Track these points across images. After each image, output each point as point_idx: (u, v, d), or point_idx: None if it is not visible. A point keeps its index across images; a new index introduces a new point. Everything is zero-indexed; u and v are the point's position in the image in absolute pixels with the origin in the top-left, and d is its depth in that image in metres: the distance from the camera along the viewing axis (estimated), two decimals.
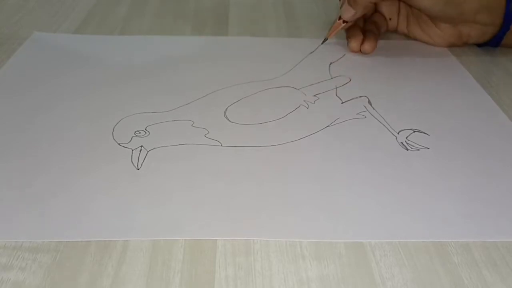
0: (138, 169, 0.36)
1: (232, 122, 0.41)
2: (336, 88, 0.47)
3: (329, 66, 0.50)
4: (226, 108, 0.43)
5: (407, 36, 0.57)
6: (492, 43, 0.53)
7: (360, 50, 0.53)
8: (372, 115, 0.43)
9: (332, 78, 0.48)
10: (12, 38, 0.54)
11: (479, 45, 0.55)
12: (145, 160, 0.37)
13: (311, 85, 0.47)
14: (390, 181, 0.36)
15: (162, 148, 0.38)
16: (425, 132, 0.41)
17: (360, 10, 0.52)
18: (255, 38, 0.56)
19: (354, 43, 0.53)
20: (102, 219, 0.32)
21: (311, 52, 0.53)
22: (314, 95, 0.45)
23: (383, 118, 0.42)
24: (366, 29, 0.54)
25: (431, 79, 0.49)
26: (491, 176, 0.36)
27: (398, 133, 0.40)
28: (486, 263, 0.30)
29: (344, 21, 0.53)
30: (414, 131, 0.41)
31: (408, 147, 0.39)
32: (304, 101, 0.44)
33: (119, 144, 0.38)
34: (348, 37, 0.54)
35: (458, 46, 0.54)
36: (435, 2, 0.49)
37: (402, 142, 0.39)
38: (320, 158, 0.38)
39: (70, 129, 0.40)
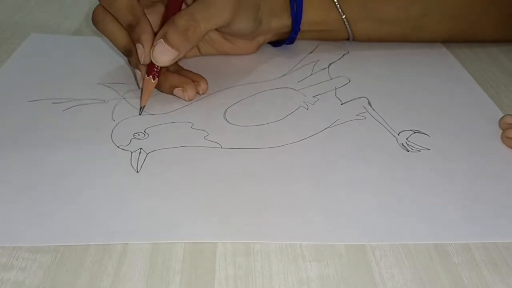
0: (138, 172, 0.36)
1: (232, 124, 0.41)
2: (336, 89, 0.47)
3: (328, 67, 0.50)
4: (226, 110, 0.43)
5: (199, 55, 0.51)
6: (288, 42, 0.53)
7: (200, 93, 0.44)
8: (372, 116, 0.43)
9: (331, 79, 0.48)
10: (12, 38, 0.54)
11: (275, 44, 0.54)
12: (144, 163, 0.37)
13: (310, 86, 0.47)
14: (390, 183, 0.35)
15: (161, 150, 0.38)
16: (425, 133, 0.41)
17: (191, 45, 0.41)
18: None
19: (191, 91, 0.43)
20: (101, 222, 0.31)
21: (310, 53, 0.53)
22: (314, 96, 0.45)
23: (383, 119, 0.42)
24: (171, 70, 0.45)
25: (431, 79, 0.49)
26: (491, 177, 0.36)
27: (398, 134, 0.40)
28: (486, 263, 0.30)
29: (155, 73, 0.41)
30: (415, 132, 0.41)
31: (409, 148, 0.39)
32: (303, 102, 0.44)
33: (118, 146, 0.38)
34: (172, 89, 0.43)
35: (255, 52, 0.52)
36: (248, 22, 0.46)
37: (402, 143, 0.39)
38: (320, 160, 0.38)
39: (69, 131, 0.40)
